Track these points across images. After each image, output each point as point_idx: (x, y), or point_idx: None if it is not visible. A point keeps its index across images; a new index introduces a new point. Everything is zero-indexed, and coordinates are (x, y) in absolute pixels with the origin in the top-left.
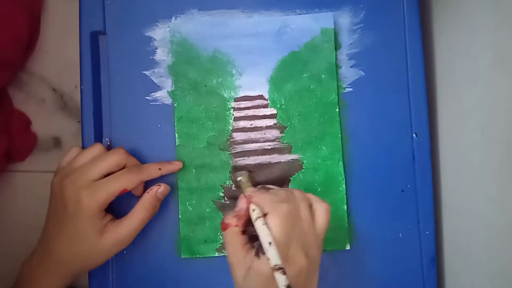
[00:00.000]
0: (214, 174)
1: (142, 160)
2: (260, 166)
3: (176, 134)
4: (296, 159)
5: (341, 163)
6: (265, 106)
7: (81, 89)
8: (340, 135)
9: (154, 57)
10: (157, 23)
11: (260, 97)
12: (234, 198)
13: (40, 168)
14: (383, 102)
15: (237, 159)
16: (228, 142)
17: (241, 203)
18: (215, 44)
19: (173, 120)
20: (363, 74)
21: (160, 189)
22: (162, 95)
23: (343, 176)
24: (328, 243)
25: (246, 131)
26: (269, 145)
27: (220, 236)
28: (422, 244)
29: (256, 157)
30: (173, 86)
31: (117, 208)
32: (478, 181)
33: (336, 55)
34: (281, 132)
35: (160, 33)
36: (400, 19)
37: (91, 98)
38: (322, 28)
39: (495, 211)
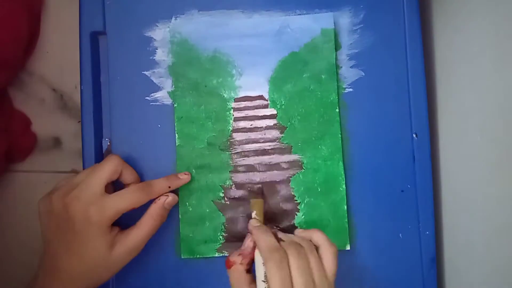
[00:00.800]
0: (214, 174)
1: (142, 160)
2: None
3: (176, 135)
4: (296, 160)
5: (341, 163)
6: (265, 107)
7: (81, 89)
8: (340, 136)
9: (154, 58)
10: (157, 24)
11: (260, 97)
12: (234, 199)
13: (40, 168)
14: (383, 103)
15: (237, 159)
16: (228, 143)
17: (248, 242)
18: (215, 44)
19: (173, 121)
20: (363, 74)
21: (167, 199)
22: (162, 96)
23: (343, 176)
24: None
25: (246, 132)
26: (269, 146)
27: (220, 237)
28: (422, 244)
29: (256, 157)
30: (173, 86)
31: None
32: (478, 181)
33: (336, 55)
34: (281, 133)
35: (160, 33)
36: (400, 20)
37: (91, 98)
38: (322, 29)
39: (495, 211)
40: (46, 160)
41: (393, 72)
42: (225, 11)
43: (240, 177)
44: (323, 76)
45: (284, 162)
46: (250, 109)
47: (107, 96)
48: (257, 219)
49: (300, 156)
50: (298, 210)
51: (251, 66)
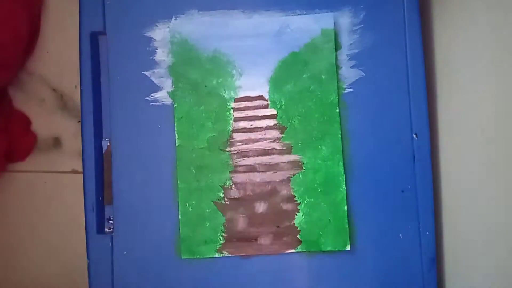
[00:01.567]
0: (214, 174)
1: (142, 160)
2: None
3: (176, 135)
4: (296, 160)
5: (341, 163)
6: (265, 107)
7: (81, 89)
8: (340, 136)
9: (154, 58)
10: (157, 24)
11: (260, 97)
12: (234, 199)
13: (40, 168)
14: (383, 103)
15: (237, 159)
16: (228, 143)
17: None
18: (215, 44)
19: (173, 121)
20: (363, 74)
21: None
22: (162, 96)
23: (343, 176)
24: (328, 244)
25: (246, 132)
26: (269, 146)
27: (220, 237)
28: (422, 245)
29: (256, 157)
30: (173, 86)
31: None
32: (478, 182)
33: (336, 55)
34: (281, 133)
35: (160, 33)
36: (400, 20)
37: (91, 98)
38: (322, 29)
39: (495, 212)
40: (46, 160)
41: (393, 72)
42: (225, 11)
43: (240, 177)
44: (323, 76)
45: (284, 162)
46: (250, 109)
47: (107, 96)
48: None
49: (300, 156)
50: (298, 210)
51: (251, 66)
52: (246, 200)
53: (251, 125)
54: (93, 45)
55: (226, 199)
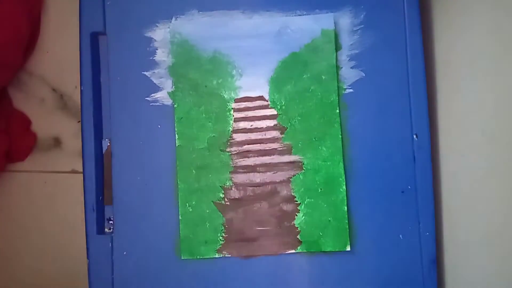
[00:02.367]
0: (214, 175)
1: (142, 160)
2: None
3: (176, 135)
4: (297, 160)
5: (341, 164)
6: (266, 107)
7: (81, 89)
8: (340, 136)
9: (154, 58)
10: (157, 24)
11: (261, 98)
12: (234, 199)
13: (40, 168)
14: (384, 103)
15: (237, 160)
16: (228, 143)
17: None
18: (215, 45)
19: (173, 121)
20: (364, 75)
21: None
22: (162, 96)
23: (344, 177)
24: (329, 244)
25: (247, 132)
26: (269, 146)
27: (220, 237)
28: (422, 245)
29: (256, 158)
30: (173, 87)
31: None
32: (478, 182)
33: (336, 56)
34: (281, 133)
35: (160, 33)
36: (401, 20)
37: (91, 98)
38: (322, 29)
39: (495, 212)
40: (46, 160)
41: (394, 72)
42: (225, 11)
43: (240, 178)
44: (323, 77)
45: (284, 162)
46: (250, 110)
47: (107, 96)
48: None
49: (301, 157)
50: (298, 211)
51: (251, 66)
52: (246, 201)
53: (251, 126)
54: (93, 45)
55: (226, 199)
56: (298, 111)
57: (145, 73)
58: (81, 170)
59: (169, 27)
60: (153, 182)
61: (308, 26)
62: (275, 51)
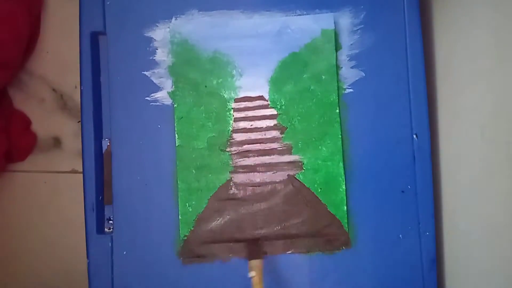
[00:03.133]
0: (214, 175)
1: (142, 160)
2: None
3: (176, 135)
4: (297, 160)
5: (341, 164)
6: (265, 107)
7: (81, 89)
8: (340, 136)
9: (154, 58)
10: (157, 24)
11: (260, 98)
12: (234, 199)
13: (40, 168)
14: (383, 103)
15: (237, 160)
16: (228, 143)
17: None
18: (215, 44)
19: (173, 121)
20: (364, 75)
21: None
22: (162, 96)
23: (343, 177)
24: (329, 244)
25: (246, 132)
26: (269, 146)
27: (220, 237)
28: (422, 245)
29: (256, 158)
30: (173, 86)
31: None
32: (478, 182)
33: (336, 56)
34: (281, 133)
35: (160, 33)
36: (401, 20)
37: (91, 98)
38: (322, 29)
39: (495, 212)
40: (46, 160)
41: (394, 72)
42: (225, 11)
43: (240, 178)
44: (323, 77)
45: (284, 162)
46: (250, 110)
47: (107, 96)
48: (256, 280)
49: (300, 157)
50: None
51: (251, 66)
52: (246, 201)
53: (251, 125)
54: (93, 45)
55: (226, 199)
56: (298, 111)
57: (145, 73)
58: (81, 170)
59: (169, 27)
60: (153, 182)
61: (308, 26)
62: (275, 51)
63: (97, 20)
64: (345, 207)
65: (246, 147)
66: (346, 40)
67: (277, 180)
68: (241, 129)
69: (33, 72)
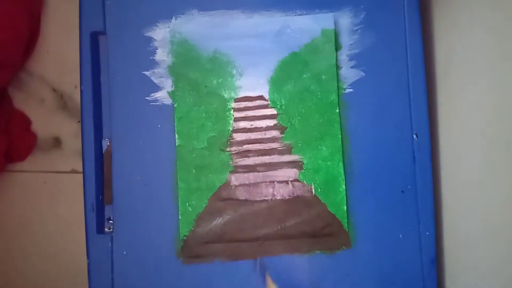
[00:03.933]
0: (214, 174)
1: (142, 160)
2: None
3: (176, 135)
4: (297, 160)
5: (341, 163)
6: (266, 107)
7: (81, 89)
8: (340, 136)
9: (154, 58)
10: (157, 24)
11: (261, 97)
12: (234, 199)
13: (40, 168)
14: (384, 103)
15: (237, 159)
16: (228, 143)
17: None
18: (216, 44)
19: (173, 121)
20: (364, 74)
21: None
22: (162, 96)
23: (343, 176)
24: (329, 244)
25: (246, 132)
26: (269, 146)
27: (220, 237)
28: (422, 245)
29: (256, 157)
30: (173, 86)
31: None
32: (478, 182)
33: (336, 55)
34: (281, 133)
35: (160, 33)
36: (401, 20)
37: (91, 98)
38: (322, 29)
39: (495, 212)
40: (46, 160)
41: (394, 72)
42: (225, 11)
43: (240, 178)
44: (323, 77)
45: (284, 162)
46: (250, 110)
47: (107, 96)
48: None
49: (300, 157)
50: None
51: (251, 66)
52: (246, 200)
53: (251, 125)
54: (93, 45)
55: (226, 199)
56: (298, 111)
57: (145, 72)
58: (81, 170)
59: (169, 27)
60: (153, 181)
61: (308, 26)
62: (275, 50)
63: (97, 20)
64: (345, 207)
65: (246, 147)
66: (346, 40)
67: (277, 180)
68: (241, 129)
69: (33, 72)
